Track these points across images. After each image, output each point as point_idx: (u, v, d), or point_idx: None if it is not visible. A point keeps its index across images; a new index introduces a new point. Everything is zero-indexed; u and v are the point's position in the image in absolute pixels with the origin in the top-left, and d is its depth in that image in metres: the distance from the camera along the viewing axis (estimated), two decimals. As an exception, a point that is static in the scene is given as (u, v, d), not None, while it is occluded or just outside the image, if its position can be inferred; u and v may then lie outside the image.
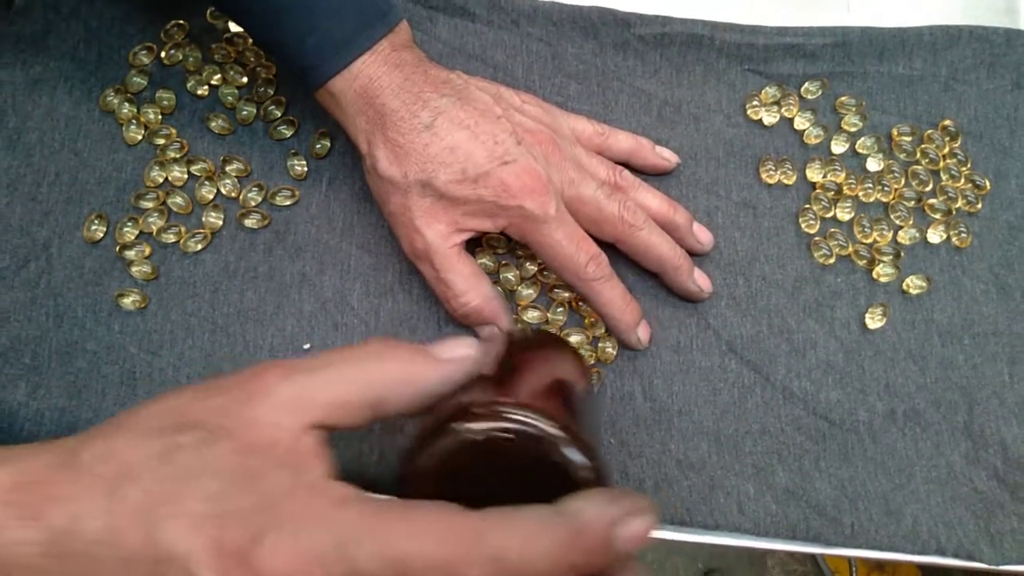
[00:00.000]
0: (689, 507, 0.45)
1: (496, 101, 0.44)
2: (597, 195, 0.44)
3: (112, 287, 0.47)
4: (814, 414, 0.47)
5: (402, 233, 0.45)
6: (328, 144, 0.51)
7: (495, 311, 0.45)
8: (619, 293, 0.45)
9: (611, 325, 0.47)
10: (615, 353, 0.48)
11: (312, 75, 0.43)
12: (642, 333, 0.46)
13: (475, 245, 0.49)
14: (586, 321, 0.48)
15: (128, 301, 0.47)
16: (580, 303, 0.48)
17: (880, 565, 1.15)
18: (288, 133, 0.50)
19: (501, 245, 0.49)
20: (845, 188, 0.52)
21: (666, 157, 0.50)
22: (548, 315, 0.48)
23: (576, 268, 0.44)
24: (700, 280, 0.47)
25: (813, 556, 1.17)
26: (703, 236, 0.49)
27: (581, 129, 0.48)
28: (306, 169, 0.49)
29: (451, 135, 0.42)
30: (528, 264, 0.49)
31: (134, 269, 0.47)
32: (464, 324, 0.47)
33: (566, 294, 0.49)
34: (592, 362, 0.48)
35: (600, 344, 0.48)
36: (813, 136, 0.53)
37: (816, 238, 0.51)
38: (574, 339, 0.48)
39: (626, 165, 0.49)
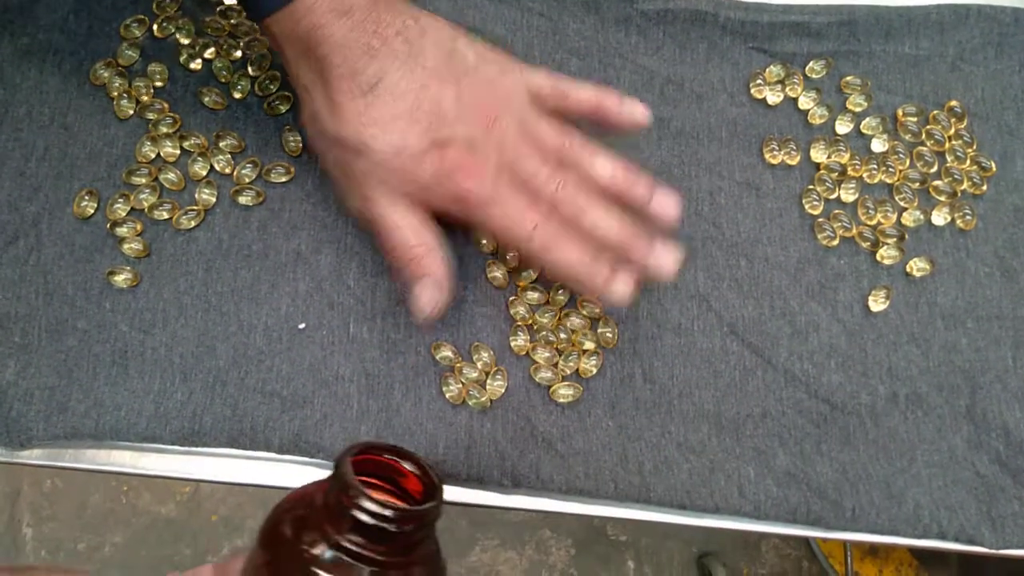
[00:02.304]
0: (689, 490, 0.45)
1: (448, 59, 0.41)
2: (538, 173, 0.41)
3: (103, 264, 0.46)
4: (816, 397, 0.47)
5: (339, 186, 0.44)
6: None
7: (433, 263, 0.42)
8: (576, 254, 0.40)
9: (582, 290, 0.43)
10: (615, 337, 0.47)
11: (253, 6, 0.39)
12: (620, 286, 0.41)
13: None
14: (579, 300, 0.47)
15: (120, 279, 0.46)
16: None
17: (874, 548, 1.15)
18: (283, 108, 0.49)
19: None
20: (849, 169, 0.51)
21: (636, 116, 0.44)
22: (549, 296, 0.47)
23: (519, 243, 0.41)
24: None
25: (807, 540, 1.17)
26: (666, 209, 0.43)
27: (538, 86, 0.43)
28: (301, 145, 0.48)
29: (391, 105, 0.39)
30: None
31: (125, 246, 0.46)
32: (404, 274, 0.43)
33: None
34: (593, 347, 0.47)
35: (600, 328, 0.47)
36: (817, 116, 0.52)
37: (819, 219, 0.50)
38: (574, 321, 0.47)
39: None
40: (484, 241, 0.48)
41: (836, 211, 0.50)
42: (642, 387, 0.46)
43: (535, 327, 0.47)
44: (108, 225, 0.47)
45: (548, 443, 0.45)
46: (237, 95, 0.50)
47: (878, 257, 0.50)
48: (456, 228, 0.47)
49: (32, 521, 1.10)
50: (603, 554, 1.08)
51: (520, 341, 0.46)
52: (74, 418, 0.44)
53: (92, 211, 0.47)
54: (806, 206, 0.50)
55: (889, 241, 0.50)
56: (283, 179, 0.48)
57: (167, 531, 1.08)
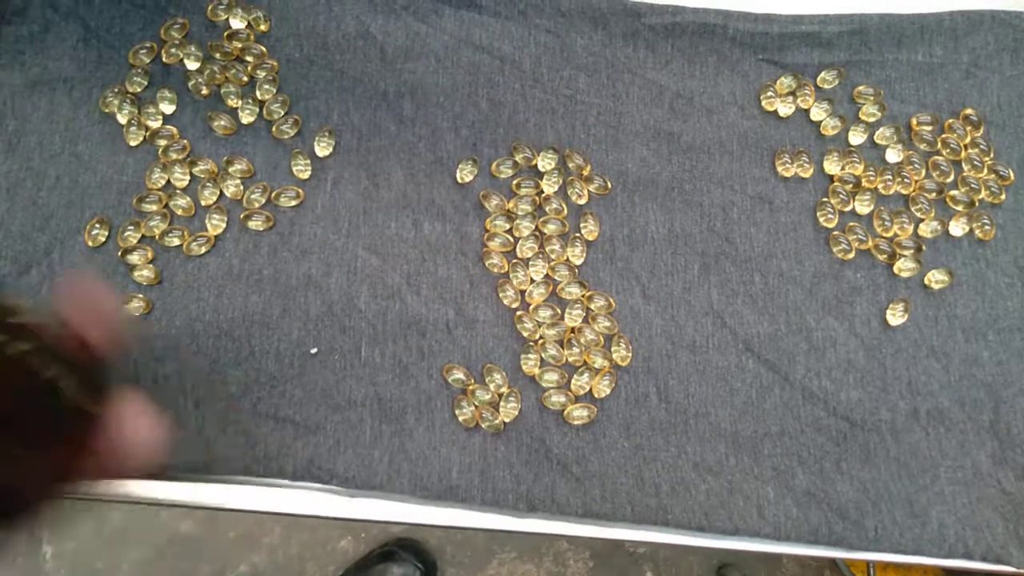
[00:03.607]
0: (707, 512, 0.44)
1: None
2: None
3: (115, 292, 0.46)
4: (834, 414, 0.46)
5: None
6: (332, 143, 0.49)
7: None
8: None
9: None
10: (630, 355, 0.46)
11: None
12: None
13: (481, 245, 0.48)
14: (590, 317, 0.47)
15: (132, 307, 0.46)
16: (591, 299, 0.47)
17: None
18: (291, 132, 0.49)
19: (509, 245, 0.48)
20: (864, 180, 0.50)
21: None
22: (565, 315, 0.47)
23: None
24: None
25: (828, 550, 1.15)
26: None
27: None
28: (310, 169, 0.48)
29: None
30: (538, 263, 0.48)
31: (137, 274, 0.46)
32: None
33: (577, 290, 0.47)
34: (606, 365, 0.46)
35: (613, 346, 0.46)
36: (830, 127, 0.51)
37: (835, 232, 0.49)
38: (587, 338, 0.46)
39: None
40: (495, 262, 0.47)
41: (851, 223, 0.49)
42: (657, 406, 0.45)
43: (543, 342, 0.46)
44: (119, 253, 0.47)
45: (563, 466, 0.44)
46: (246, 120, 0.49)
47: (895, 270, 0.49)
48: (468, 252, 0.47)
49: (52, 539, 1.11)
50: (621, 567, 1.07)
51: (530, 363, 0.46)
52: (88, 447, 0.43)
53: (103, 239, 0.47)
54: (820, 219, 0.49)
55: (906, 253, 0.49)
56: (292, 203, 0.48)
57: (185, 548, 1.09)
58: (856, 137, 0.51)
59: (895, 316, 0.48)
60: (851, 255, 0.48)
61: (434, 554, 1.04)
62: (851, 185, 0.50)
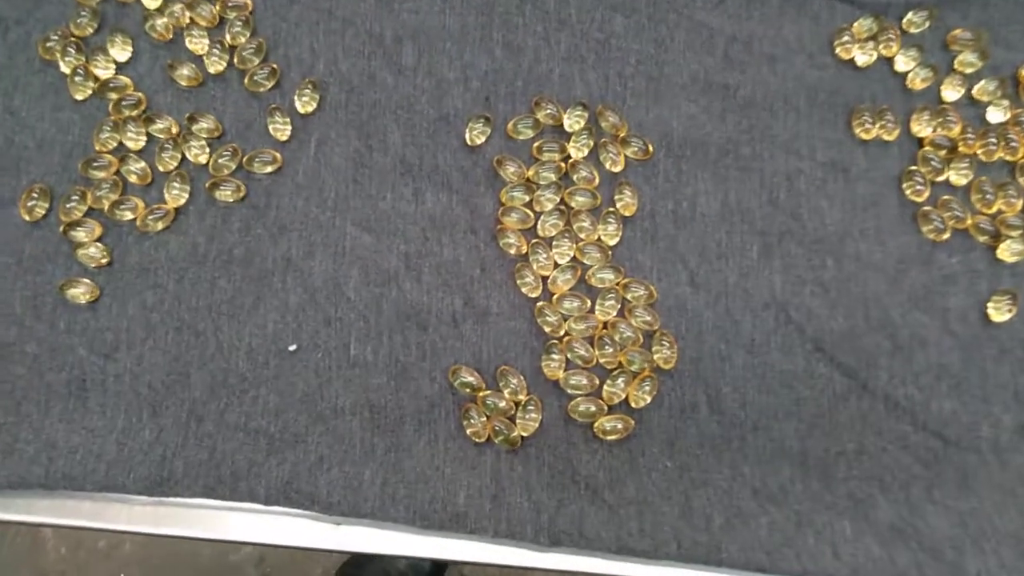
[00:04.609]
0: (769, 550, 0.37)
1: None
2: None
3: (56, 276, 0.40)
4: (924, 429, 0.40)
5: None
6: (316, 97, 0.43)
7: None
8: None
9: None
10: (675, 356, 0.40)
11: None
12: None
13: (495, 221, 0.42)
14: (627, 309, 0.40)
15: (76, 293, 0.40)
16: (627, 287, 0.40)
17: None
18: (268, 84, 0.43)
19: (529, 221, 0.42)
20: (961, 145, 0.43)
21: None
22: (596, 307, 0.40)
23: None
24: None
25: None
26: None
27: None
28: (290, 129, 0.42)
29: None
30: (563, 243, 0.41)
31: (82, 253, 0.41)
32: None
33: (611, 277, 0.40)
34: (646, 368, 0.39)
35: (654, 345, 0.40)
36: (919, 79, 0.44)
37: (925, 208, 0.43)
38: (623, 335, 0.39)
39: None
40: (511, 241, 0.41)
41: (945, 197, 0.43)
42: (707, 419, 0.40)
43: (569, 339, 0.40)
44: (62, 228, 0.41)
45: (593, 491, 0.38)
46: (213, 69, 0.43)
47: (999, 253, 0.42)
48: (479, 229, 0.41)
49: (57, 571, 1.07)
50: None
51: (553, 365, 0.39)
52: (21, 463, 0.38)
53: (43, 212, 0.41)
54: (907, 191, 0.43)
55: (1013, 233, 0.42)
56: (268, 169, 0.42)
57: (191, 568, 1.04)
58: (951, 92, 0.44)
59: (999, 310, 0.41)
60: (945, 235, 0.42)
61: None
62: (945, 150, 0.43)
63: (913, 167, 0.43)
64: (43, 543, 1.10)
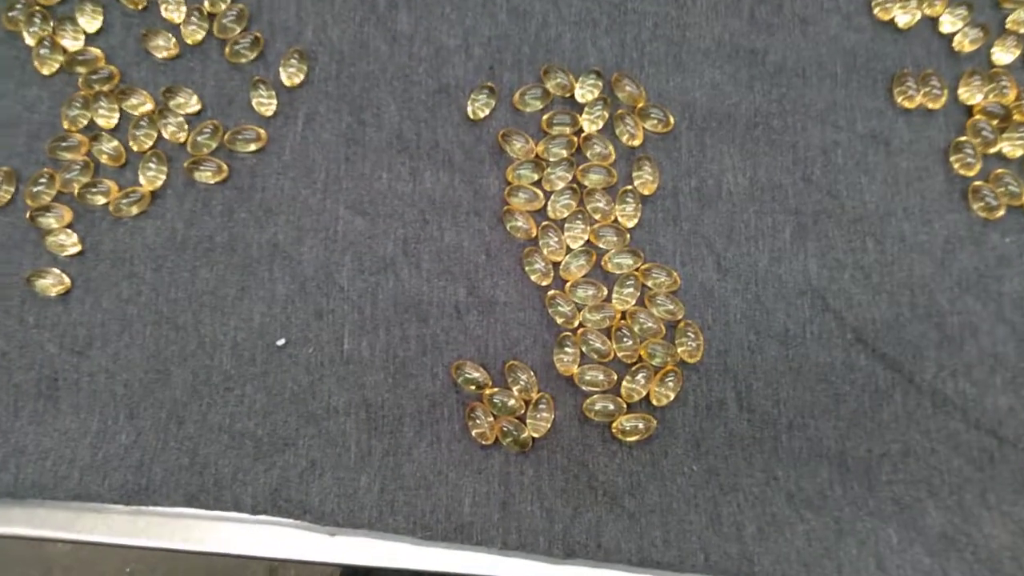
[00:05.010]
0: (807, 561, 0.34)
1: None
2: None
3: (24, 266, 0.38)
4: (977, 427, 0.37)
5: None
6: (304, 68, 0.40)
7: None
8: None
9: None
10: (701, 348, 0.37)
11: None
12: None
13: (501, 203, 0.39)
14: (647, 297, 0.36)
15: (45, 284, 0.37)
16: (647, 273, 0.38)
17: None
18: (251, 55, 0.40)
19: (539, 202, 0.39)
20: (1016, 113, 0.40)
21: None
22: (613, 296, 0.37)
23: None
24: None
25: None
26: None
27: None
28: (275, 103, 0.40)
29: None
30: (576, 226, 0.38)
31: (51, 240, 0.38)
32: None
33: (629, 262, 0.37)
34: (669, 362, 0.36)
35: (678, 337, 0.37)
36: (967, 41, 0.41)
37: (975, 183, 0.39)
38: (643, 325, 0.36)
39: None
40: (519, 224, 0.38)
41: (998, 171, 0.40)
42: (737, 417, 0.37)
43: (584, 331, 0.37)
44: (28, 214, 0.38)
45: (611, 497, 0.35)
46: (192, 39, 0.40)
47: None
48: (484, 211, 0.39)
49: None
50: None
51: (567, 358, 0.36)
52: (-13, 470, 0.35)
53: (8, 197, 0.38)
54: (956, 165, 0.40)
55: None
56: (252, 148, 0.39)
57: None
58: (1004, 54, 0.41)
59: (1059, 295, 0.38)
60: (998, 213, 0.39)
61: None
62: (997, 119, 0.40)
63: (962, 138, 0.40)
64: (49, 537, 1.09)
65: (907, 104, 0.40)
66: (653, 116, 0.39)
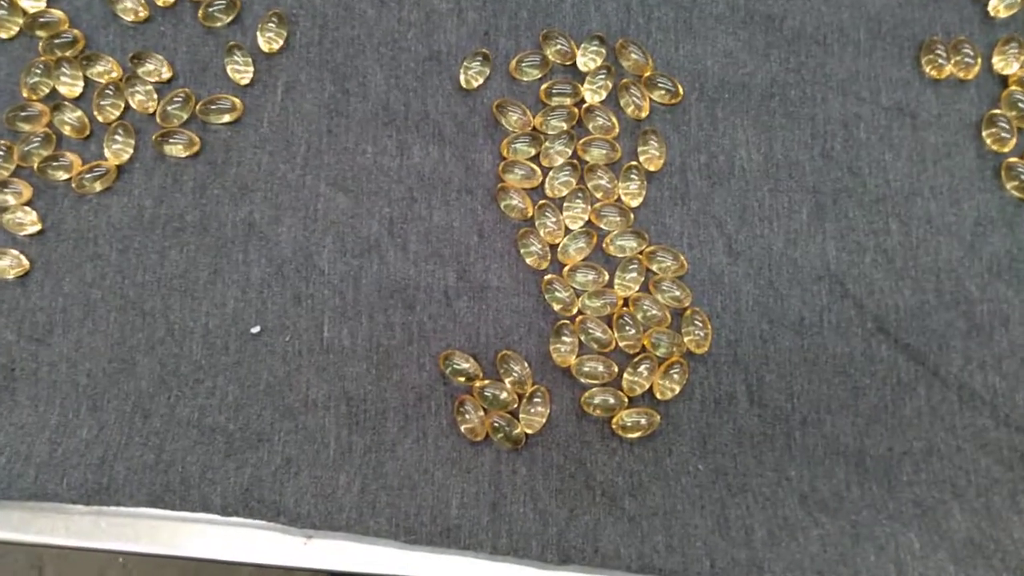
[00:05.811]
0: (821, 568, 0.32)
1: None
2: None
3: None
4: (1006, 424, 0.35)
5: None
6: (283, 33, 0.38)
7: None
8: None
9: None
10: (709, 338, 0.35)
11: None
12: None
13: (495, 179, 0.37)
14: (651, 283, 0.34)
15: (2, 266, 0.36)
16: (652, 256, 0.36)
17: None
18: (226, 18, 0.39)
19: (536, 178, 0.37)
20: None
21: None
22: (615, 280, 0.36)
23: None
24: None
25: None
26: None
27: None
28: (252, 71, 0.38)
29: None
30: (576, 205, 0.36)
31: (8, 218, 0.36)
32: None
33: (632, 244, 0.36)
34: (674, 352, 0.34)
35: (685, 326, 0.36)
36: (1003, 6, 0.39)
37: (1010, 160, 0.37)
38: (647, 313, 0.34)
39: None
40: (515, 202, 0.36)
41: None
42: (747, 413, 0.35)
43: (583, 319, 0.36)
44: None
45: (611, 498, 0.34)
46: (163, 1, 0.38)
47: None
48: (476, 188, 0.37)
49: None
50: None
51: (564, 348, 0.35)
52: (-62, 466, 0.33)
53: None
54: (988, 140, 0.38)
55: None
56: (227, 119, 0.38)
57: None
58: None
59: (1098, 283, 0.36)
60: None
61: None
62: None
63: (996, 111, 0.37)
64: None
65: (936, 74, 0.37)
66: (660, 86, 0.37)
